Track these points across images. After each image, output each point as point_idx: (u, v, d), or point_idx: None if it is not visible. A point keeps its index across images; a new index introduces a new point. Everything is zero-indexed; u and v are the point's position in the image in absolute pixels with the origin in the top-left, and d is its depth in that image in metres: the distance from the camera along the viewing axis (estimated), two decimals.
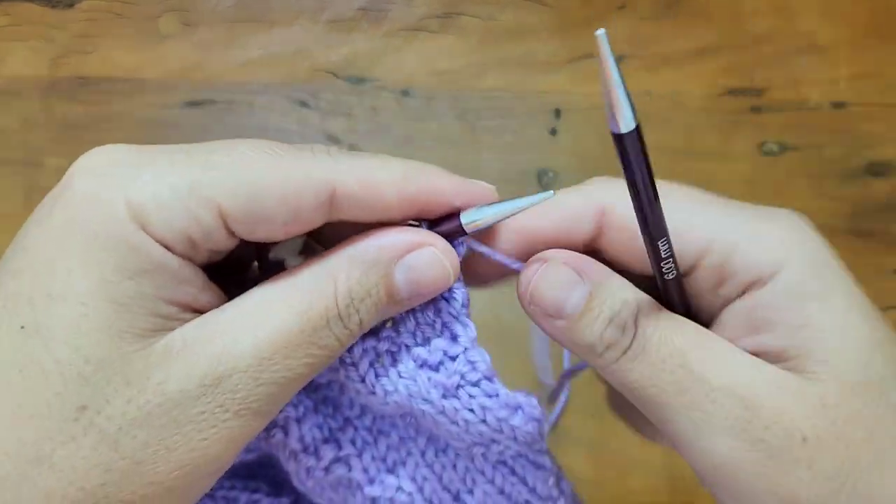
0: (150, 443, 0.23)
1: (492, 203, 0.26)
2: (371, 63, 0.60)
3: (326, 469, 0.30)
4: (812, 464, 0.25)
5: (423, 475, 0.31)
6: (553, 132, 0.58)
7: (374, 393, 0.28)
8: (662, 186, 0.25)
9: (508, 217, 0.26)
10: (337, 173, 0.24)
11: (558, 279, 0.27)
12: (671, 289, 0.28)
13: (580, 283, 0.27)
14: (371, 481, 0.30)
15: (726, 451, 0.25)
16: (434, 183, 0.26)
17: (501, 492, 0.31)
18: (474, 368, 0.27)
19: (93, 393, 0.22)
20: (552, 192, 0.25)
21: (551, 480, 0.30)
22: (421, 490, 0.31)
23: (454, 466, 0.31)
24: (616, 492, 0.49)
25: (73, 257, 0.22)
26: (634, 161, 0.23)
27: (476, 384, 0.27)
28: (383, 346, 0.28)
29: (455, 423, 0.28)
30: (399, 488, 0.31)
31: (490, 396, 0.27)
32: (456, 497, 0.31)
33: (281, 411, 0.29)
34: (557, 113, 0.58)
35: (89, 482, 0.22)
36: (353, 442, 0.31)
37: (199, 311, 0.25)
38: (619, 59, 0.61)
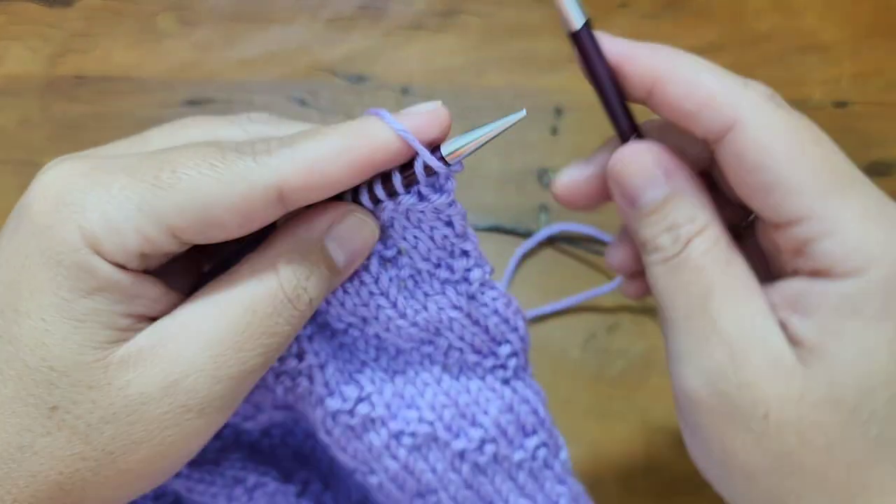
0: (118, 437, 0.25)
1: (470, 131, 0.27)
2: (370, 61, 0.60)
3: (351, 411, 0.32)
4: (762, 439, 0.26)
5: (441, 402, 0.33)
6: (554, 131, 0.57)
7: (403, 315, 0.31)
8: (792, 120, 0.27)
9: (488, 141, 0.27)
10: (278, 172, 0.25)
11: (645, 171, 0.28)
12: None
13: (662, 184, 0.28)
14: (394, 416, 0.33)
15: (697, 387, 0.27)
16: (377, 140, 0.26)
17: (510, 408, 0.34)
18: (485, 272, 0.31)
19: (61, 396, 0.25)
20: (524, 110, 0.27)
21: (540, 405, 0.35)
22: (441, 417, 0.33)
23: (468, 390, 0.34)
24: (617, 494, 0.49)
25: (35, 278, 0.25)
26: (594, 56, 0.27)
27: (492, 287, 0.32)
28: (405, 272, 0.31)
29: (476, 322, 0.32)
30: (420, 419, 0.33)
31: (495, 289, 0.32)
32: (472, 420, 0.34)
33: (303, 360, 0.31)
34: (558, 112, 0.58)
35: (66, 468, 0.25)
36: (372, 381, 0.33)
37: (157, 319, 0.27)
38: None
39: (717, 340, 0.27)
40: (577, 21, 0.26)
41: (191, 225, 0.25)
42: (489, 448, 0.34)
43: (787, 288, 0.27)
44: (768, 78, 0.60)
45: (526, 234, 0.54)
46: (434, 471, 0.34)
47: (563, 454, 0.37)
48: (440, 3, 0.61)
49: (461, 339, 0.33)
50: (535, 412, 0.35)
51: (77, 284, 0.24)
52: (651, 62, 0.27)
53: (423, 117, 0.27)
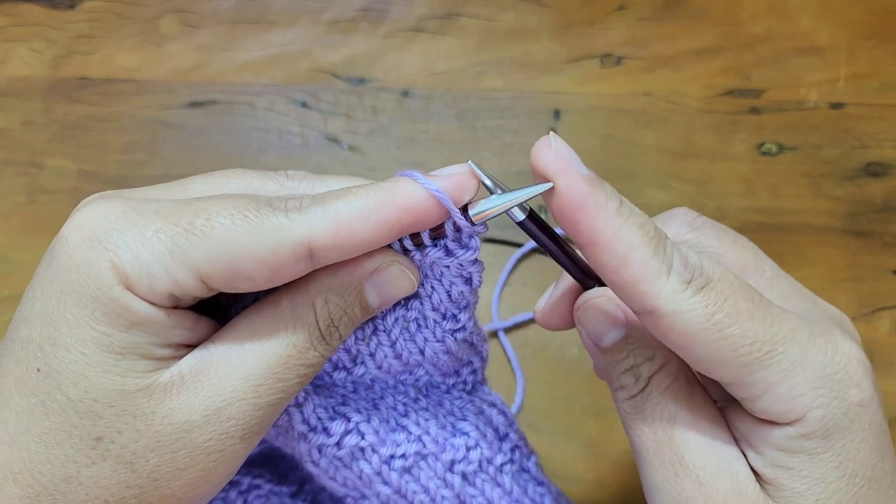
0: (163, 465, 0.26)
1: (497, 195, 0.27)
2: (371, 64, 0.60)
3: (339, 444, 0.32)
4: None
5: (425, 418, 0.35)
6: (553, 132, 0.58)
7: (399, 356, 0.32)
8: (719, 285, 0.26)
9: (514, 206, 0.27)
10: (309, 229, 0.25)
11: (604, 314, 0.30)
12: None
13: (621, 325, 0.30)
14: (383, 442, 0.33)
15: None
16: (407, 201, 0.26)
17: (481, 412, 0.36)
18: (475, 321, 0.33)
19: (106, 426, 0.25)
20: (551, 183, 0.26)
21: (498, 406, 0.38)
22: (428, 431, 0.34)
23: (440, 404, 0.36)
24: (616, 492, 0.49)
25: (71, 313, 0.25)
26: (541, 237, 0.29)
27: (476, 324, 0.34)
28: (412, 314, 0.31)
29: (456, 358, 0.34)
30: (409, 438, 0.34)
31: (474, 324, 0.34)
32: (454, 429, 0.35)
33: None
34: (557, 114, 0.58)
35: (112, 496, 0.26)
36: (358, 411, 0.33)
37: (194, 346, 0.28)
38: (618, 61, 0.61)
39: (685, 474, 0.28)
40: (520, 215, 0.28)
41: (220, 274, 0.25)
42: (474, 454, 0.35)
43: (741, 424, 0.29)
44: (765, 80, 0.61)
45: (520, 244, 0.55)
46: (427, 490, 0.34)
47: (534, 457, 0.38)
48: (440, 6, 0.61)
49: (437, 369, 0.35)
50: (504, 414, 0.36)
51: (115, 320, 0.25)
52: (591, 226, 0.26)
53: (455, 179, 0.27)
